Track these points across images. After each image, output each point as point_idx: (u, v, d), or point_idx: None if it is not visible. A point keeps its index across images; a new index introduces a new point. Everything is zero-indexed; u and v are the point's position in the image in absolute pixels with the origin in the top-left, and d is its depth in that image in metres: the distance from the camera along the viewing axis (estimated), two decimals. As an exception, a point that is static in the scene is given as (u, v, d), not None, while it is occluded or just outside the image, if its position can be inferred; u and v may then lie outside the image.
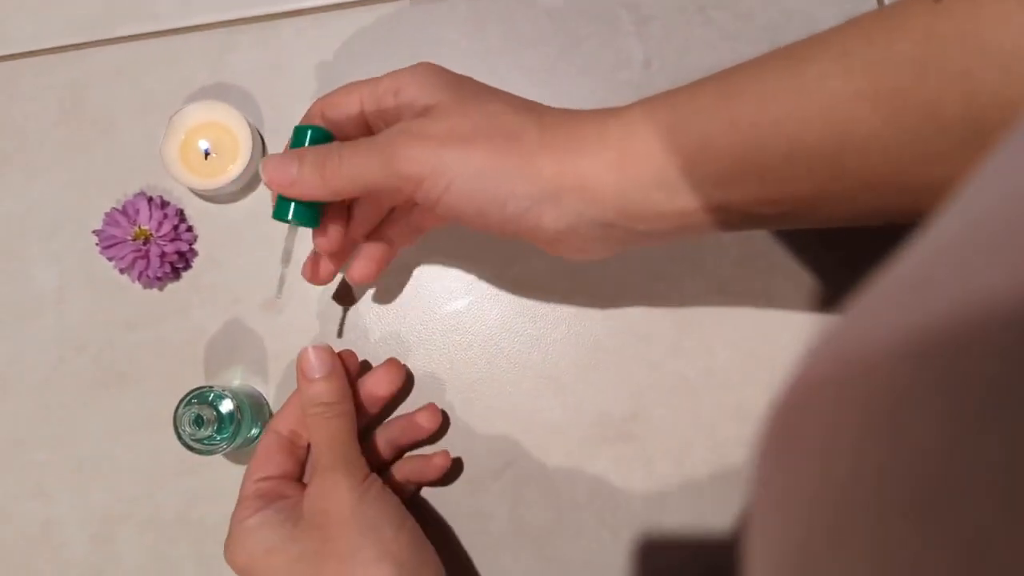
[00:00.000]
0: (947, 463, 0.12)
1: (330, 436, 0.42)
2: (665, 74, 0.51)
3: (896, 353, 0.14)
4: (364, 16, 0.52)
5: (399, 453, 0.48)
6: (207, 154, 0.49)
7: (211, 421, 0.45)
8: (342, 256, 0.44)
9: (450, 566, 0.46)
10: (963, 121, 0.32)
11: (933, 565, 0.12)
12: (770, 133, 0.35)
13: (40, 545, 0.50)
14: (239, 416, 0.46)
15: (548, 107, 0.39)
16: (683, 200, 0.37)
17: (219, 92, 0.52)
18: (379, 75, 0.41)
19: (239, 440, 0.46)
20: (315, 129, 0.41)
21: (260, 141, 0.51)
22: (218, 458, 0.49)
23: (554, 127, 0.38)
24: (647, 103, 0.38)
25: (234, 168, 0.48)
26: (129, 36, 0.53)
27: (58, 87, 0.52)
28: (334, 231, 0.42)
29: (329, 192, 0.39)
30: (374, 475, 0.43)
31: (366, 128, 0.41)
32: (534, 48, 0.51)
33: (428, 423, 0.47)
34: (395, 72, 0.40)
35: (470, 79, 0.40)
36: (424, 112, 0.39)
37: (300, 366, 0.43)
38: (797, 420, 0.17)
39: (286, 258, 0.42)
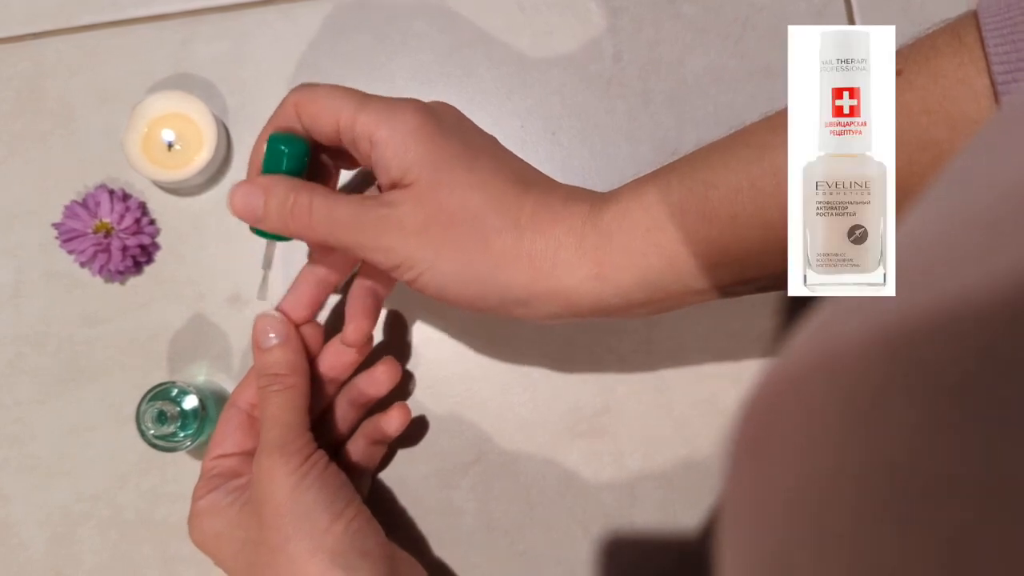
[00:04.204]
0: (928, 461, 0.12)
1: (273, 412, 0.40)
2: (635, 67, 0.50)
3: (873, 350, 0.14)
4: (330, 6, 0.51)
5: (361, 414, 0.46)
6: (170, 146, 0.48)
7: (174, 418, 0.44)
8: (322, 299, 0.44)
9: (419, 562, 0.46)
10: None
11: (915, 565, 0.12)
12: (747, 224, 0.35)
13: (-3, 546, 0.48)
14: (203, 412, 0.45)
15: (529, 192, 0.38)
16: (661, 294, 0.37)
17: (182, 82, 0.51)
18: (366, 92, 0.39)
19: (203, 437, 0.45)
20: (291, 144, 0.39)
21: (224, 132, 0.50)
22: (182, 455, 0.48)
23: (531, 231, 0.37)
24: (620, 203, 0.37)
25: (198, 160, 0.47)
26: (90, 25, 0.51)
27: (16, 77, 0.51)
28: (303, 308, 0.42)
29: (293, 236, 0.38)
30: (319, 454, 0.40)
31: (337, 139, 0.39)
32: (504, 41, 0.51)
33: (386, 378, 0.44)
34: (378, 111, 0.37)
35: (453, 142, 0.38)
36: (398, 183, 0.37)
37: (253, 334, 0.41)
38: (771, 417, 0.17)
39: (267, 263, 0.41)
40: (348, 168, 0.43)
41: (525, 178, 0.39)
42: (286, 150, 0.39)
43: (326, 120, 0.38)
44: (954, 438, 0.12)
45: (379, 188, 0.42)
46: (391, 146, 0.37)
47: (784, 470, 0.15)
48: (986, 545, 0.11)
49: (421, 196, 0.37)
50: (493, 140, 0.40)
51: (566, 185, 0.40)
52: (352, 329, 0.43)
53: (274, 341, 0.41)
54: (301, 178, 0.39)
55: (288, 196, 0.37)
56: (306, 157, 0.40)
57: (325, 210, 0.37)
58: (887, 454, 0.13)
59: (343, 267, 0.43)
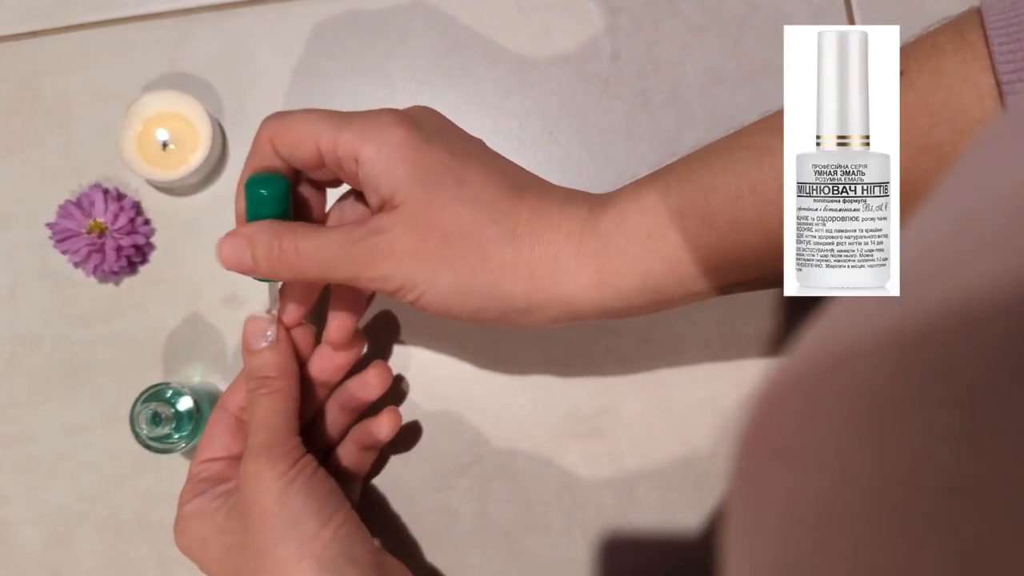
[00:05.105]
0: (944, 467, 0.12)
1: (261, 415, 0.39)
2: (634, 67, 0.50)
3: (884, 351, 0.14)
4: (327, 6, 0.51)
5: (352, 419, 0.45)
6: (165, 145, 0.48)
7: (168, 419, 0.44)
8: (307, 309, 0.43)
9: (416, 564, 0.46)
10: None
11: (923, 573, 0.12)
12: (747, 229, 0.35)
13: (-7, 548, 0.48)
14: (198, 414, 0.45)
15: (523, 198, 0.37)
16: (662, 296, 0.37)
17: (178, 82, 0.50)
18: (341, 111, 0.38)
19: (198, 439, 0.45)
20: (270, 185, 0.38)
21: (220, 132, 0.50)
22: (177, 457, 0.47)
23: (528, 239, 0.37)
24: (618, 207, 0.37)
25: (193, 159, 0.47)
26: (85, 24, 0.51)
27: (12, 76, 0.51)
28: (293, 311, 0.42)
29: (287, 280, 0.39)
30: (307, 459, 0.39)
31: (320, 164, 0.38)
32: (502, 40, 0.51)
33: (378, 381, 0.44)
34: (361, 129, 0.36)
35: (440, 152, 0.37)
36: (388, 202, 0.37)
37: (243, 336, 0.41)
38: (780, 418, 0.17)
39: (274, 303, 0.41)
40: (333, 187, 0.42)
41: (517, 183, 0.38)
42: (266, 193, 0.38)
43: (306, 147, 0.37)
44: (970, 443, 0.12)
45: (354, 195, 0.41)
46: (378, 163, 0.36)
47: (792, 475, 0.15)
48: (1003, 557, 0.11)
49: (412, 217, 0.36)
50: (480, 143, 0.40)
51: (559, 187, 0.39)
52: (335, 327, 0.42)
53: (264, 343, 0.40)
54: (287, 215, 0.39)
55: (272, 244, 0.37)
56: (288, 194, 0.39)
57: (313, 251, 0.37)
58: (901, 460, 0.13)
59: None
